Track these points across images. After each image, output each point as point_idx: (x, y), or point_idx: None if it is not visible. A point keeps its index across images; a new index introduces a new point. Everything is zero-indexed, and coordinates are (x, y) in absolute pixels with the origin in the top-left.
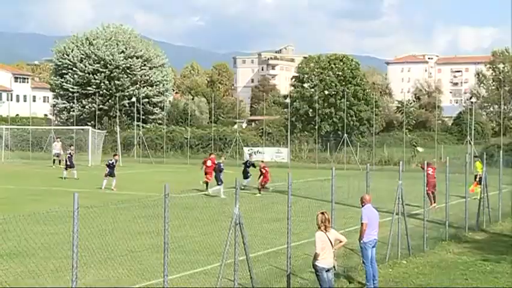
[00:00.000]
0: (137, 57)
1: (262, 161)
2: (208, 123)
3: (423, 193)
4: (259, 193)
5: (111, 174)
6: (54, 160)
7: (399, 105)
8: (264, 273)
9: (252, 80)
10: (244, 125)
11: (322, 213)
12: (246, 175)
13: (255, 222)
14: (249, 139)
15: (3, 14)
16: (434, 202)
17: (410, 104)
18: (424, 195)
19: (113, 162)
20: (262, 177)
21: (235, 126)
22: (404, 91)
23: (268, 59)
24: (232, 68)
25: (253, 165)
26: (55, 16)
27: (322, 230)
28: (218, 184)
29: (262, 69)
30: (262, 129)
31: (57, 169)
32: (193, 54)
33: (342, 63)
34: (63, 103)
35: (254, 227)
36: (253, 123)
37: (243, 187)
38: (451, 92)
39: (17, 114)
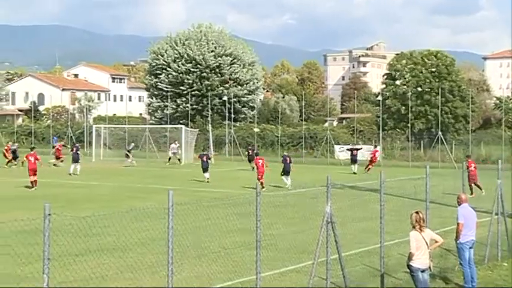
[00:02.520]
0: (226, 55)
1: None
2: (298, 121)
3: None
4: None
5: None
6: (170, 158)
7: (498, 101)
8: (356, 273)
9: (343, 78)
10: (335, 123)
11: (417, 212)
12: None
13: (347, 221)
14: (340, 137)
15: (105, 18)
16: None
17: (510, 100)
18: None
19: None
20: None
21: (326, 124)
22: (503, 87)
23: (359, 56)
24: (323, 65)
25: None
26: (151, 18)
27: (416, 230)
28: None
29: (353, 67)
30: (353, 127)
31: (165, 166)
32: (283, 53)
33: (436, 59)
34: (158, 102)
35: (346, 226)
36: (344, 121)
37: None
38: None
39: (114, 114)
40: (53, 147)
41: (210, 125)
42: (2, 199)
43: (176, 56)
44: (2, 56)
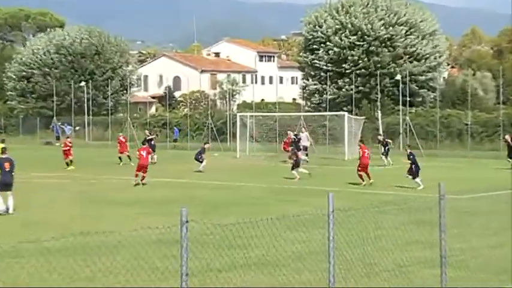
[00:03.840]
0: (400, 25)
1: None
2: (495, 104)
3: None
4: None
5: None
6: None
7: None
8: None
9: None
10: None
11: None
12: None
13: None
14: None
15: None
16: None
17: None
18: None
19: None
20: None
21: None
22: None
23: None
24: None
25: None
26: None
27: None
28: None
29: None
30: None
31: (324, 163)
32: (474, 18)
33: None
34: (315, 84)
35: None
36: None
37: None
38: None
39: (262, 99)
40: (175, 140)
41: (379, 111)
42: (135, 202)
43: (338, 26)
44: (133, 34)
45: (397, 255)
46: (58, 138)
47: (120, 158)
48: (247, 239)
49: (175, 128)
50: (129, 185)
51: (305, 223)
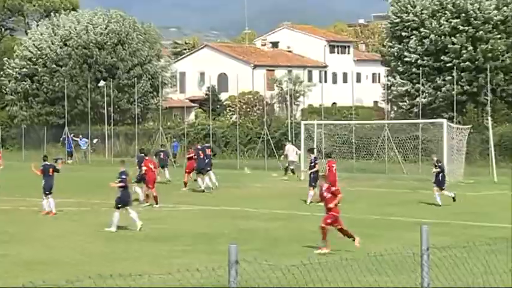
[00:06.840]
0: None
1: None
2: None
3: None
4: None
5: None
6: (287, 168)
7: None
8: None
9: None
10: None
11: None
12: None
13: None
14: None
15: None
16: None
17: None
18: None
19: None
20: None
21: None
22: None
23: None
24: None
25: None
26: None
27: None
28: None
29: None
30: None
31: (416, 187)
32: None
33: None
34: (403, 84)
35: None
36: None
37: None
38: None
39: (334, 103)
40: (174, 155)
41: (489, 118)
42: (168, 237)
43: (435, 7)
44: (167, 17)
45: None
46: (71, 154)
47: None
48: (314, 284)
49: (174, 141)
50: (162, 215)
51: (390, 265)
